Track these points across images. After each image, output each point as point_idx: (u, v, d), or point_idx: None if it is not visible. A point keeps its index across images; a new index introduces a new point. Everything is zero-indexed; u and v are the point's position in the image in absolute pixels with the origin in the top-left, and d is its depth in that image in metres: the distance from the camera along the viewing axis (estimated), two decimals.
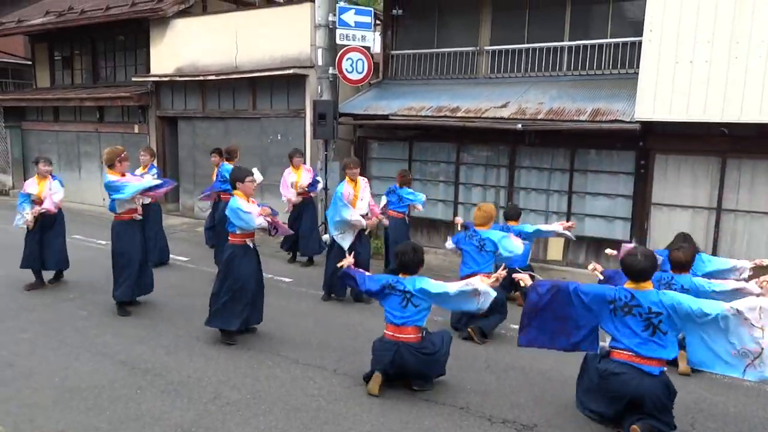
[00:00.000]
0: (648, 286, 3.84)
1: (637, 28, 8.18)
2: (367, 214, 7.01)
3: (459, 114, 9.12)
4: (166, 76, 12.45)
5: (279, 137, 11.33)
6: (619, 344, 3.85)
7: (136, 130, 13.48)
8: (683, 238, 5.55)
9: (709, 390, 4.82)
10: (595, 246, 9.02)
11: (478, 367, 5.20)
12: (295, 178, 8.63)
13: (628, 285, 3.87)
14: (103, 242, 7.58)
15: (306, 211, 8.72)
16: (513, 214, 7.28)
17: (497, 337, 5.97)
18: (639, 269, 3.78)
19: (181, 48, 12.30)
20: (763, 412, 4.47)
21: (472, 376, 4.97)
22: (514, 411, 4.36)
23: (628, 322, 3.78)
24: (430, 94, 10.04)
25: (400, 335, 4.50)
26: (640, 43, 7.90)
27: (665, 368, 3.84)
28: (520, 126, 8.52)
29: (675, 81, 7.47)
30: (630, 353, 3.80)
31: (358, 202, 6.91)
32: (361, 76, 9.90)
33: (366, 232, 7.07)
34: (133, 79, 13.20)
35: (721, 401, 4.63)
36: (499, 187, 9.69)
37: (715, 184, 8.04)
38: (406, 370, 4.53)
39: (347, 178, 6.98)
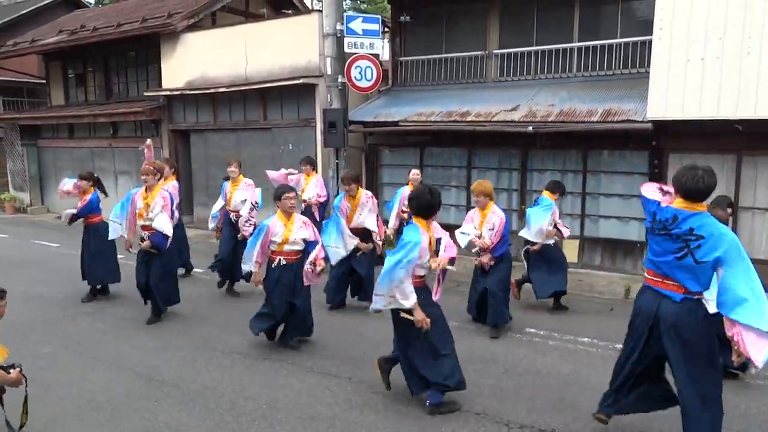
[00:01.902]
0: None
1: (647, 27, 8.13)
2: (367, 233, 6.82)
3: (469, 118, 9.11)
4: (177, 89, 12.60)
5: (290, 147, 11.40)
6: None
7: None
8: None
9: (730, 391, 4.71)
10: (610, 247, 8.94)
11: (495, 371, 5.15)
12: (302, 186, 8.65)
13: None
14: (120, 256, 7.64)
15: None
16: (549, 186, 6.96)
17: (514, 342, 5.92)
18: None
19: (192, 62, 12.45)
20: None
21: (489, 381, 4.92)
22: (532, 416, 4.30)
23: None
24: (440, 99, 10.05)
25: None
26: (650, 42, 7.84)
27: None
28: (530, 128, 8.49)
29: (687, 79, 7.39)
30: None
31: (355, 216, 6.72)
32: (370, 84, 9.93)
33: (359, 253, 6.78)
34: (145, 93, 13.38)
35: (742, 402, 4.54)
36: (511, 190, 9.65)
37: (731, 182, 7.93)
38: None
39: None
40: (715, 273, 3.26)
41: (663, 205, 3.41)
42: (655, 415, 3.91)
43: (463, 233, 6.05)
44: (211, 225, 7.87)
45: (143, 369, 5.20)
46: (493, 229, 5.95)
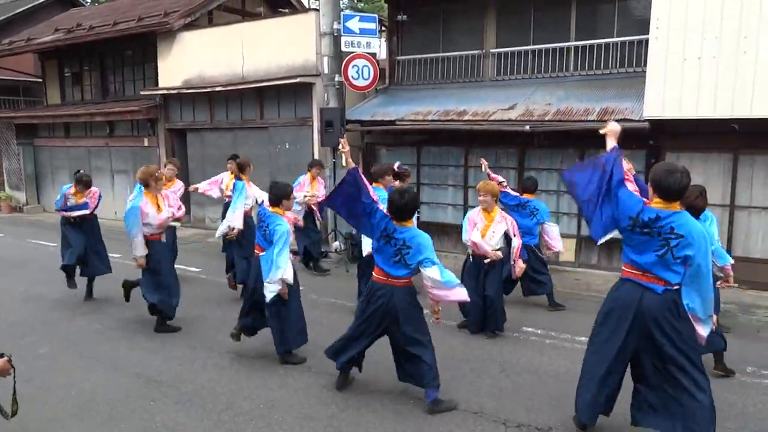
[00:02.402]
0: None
1: (644, 26, 8.13)
2: None
3: (466, 117, 9.11)
4: (173, 88, 12.57)
5: (287, 146, 11.39)
6: None
7: (146, 144, 13.62)
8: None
9: (726, 390, 4.75)
10: (607, 246, 8.94)
11: (492, 371, 5.16)
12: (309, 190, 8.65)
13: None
14: (117, 256, 7.63)
15: (310, 219, 8.77)
16: (530, 185, 7.03)
17: (511, 340, 5.94)
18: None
19: (188, 60, 12.42)
20: None
21: (487, 381, 4.94)
22: (530, 414, 4.32)
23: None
24: (437, 98, 10.05)
25: None
26: (646, 40, 7.86)
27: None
28: (527, 128, 8.50)
29: (683, 78, 7.41)
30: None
31: None
32: (367, 83, 9.94)
33: None
34: (142, 92, 13.34)
35: (738, 400, 4.56)
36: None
37: (727, 181, 7.96)
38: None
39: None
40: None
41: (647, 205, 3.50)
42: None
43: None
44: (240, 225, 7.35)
45: (141, 369, 5.20)
46: (511, 231, 5.93)
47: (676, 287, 3.49)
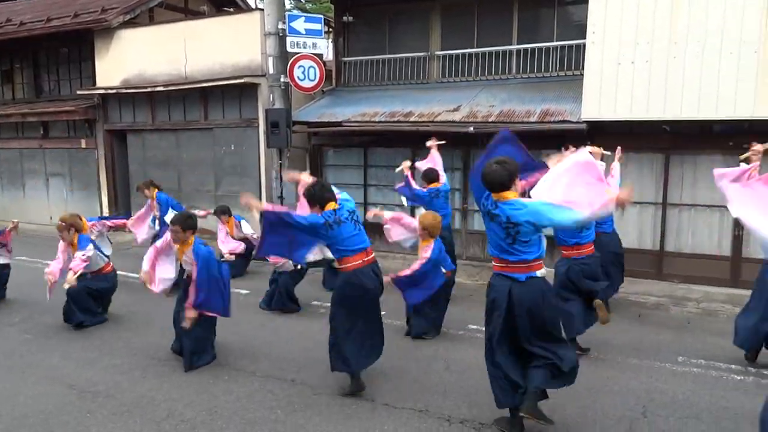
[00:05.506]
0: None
1: (582, 31, 8.41)
2: None
3: (412, 119, 9.19)
4: (112, 88, 12.13)
5: (232, 147, 11.18)
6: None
7: (83, 145, 13.08)
8: None
9: (658, 379, 4.96)
10: (550, 245, 9.18)
11: (437, 368, 5.22)
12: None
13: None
14: (49, 263, 7.27)
15: None
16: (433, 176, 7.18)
17: (456, 338, 6.02)
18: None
19: (128, 59, 12.01)
20: (710, 396, 4.63)
21: (432, 378, 4.99)
22: (473, 410, 4.38)
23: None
24: (384, 99, 10.09)
25: None
26: (584, 45, 8.13)
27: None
28: (472, 129, 8.64)
29: (618, 81, 7.72)
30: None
31: None
32: (313, 84, 9.86)
33: None
34: (78, 92, 12.81)
35: (670, 389, 4.77)
36: (454, 189, 9.77)
37: (660, 180, 8.33)
38: None
39: None
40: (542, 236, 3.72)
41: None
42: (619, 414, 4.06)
43: None
44: None
45: (75, 380, 4.98)
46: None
47: (538, 272, 3.69)
